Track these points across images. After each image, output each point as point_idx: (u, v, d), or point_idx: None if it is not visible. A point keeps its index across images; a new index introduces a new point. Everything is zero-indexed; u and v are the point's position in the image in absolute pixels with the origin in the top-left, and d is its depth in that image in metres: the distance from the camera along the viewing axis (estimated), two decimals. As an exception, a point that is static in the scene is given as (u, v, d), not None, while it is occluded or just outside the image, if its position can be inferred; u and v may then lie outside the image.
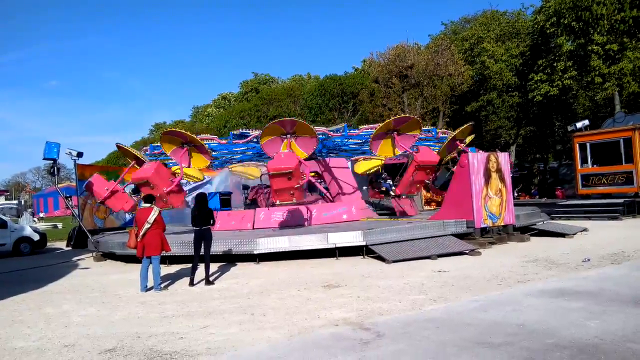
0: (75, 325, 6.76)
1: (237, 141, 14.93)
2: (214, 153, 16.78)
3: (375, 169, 17.82)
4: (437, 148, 17.26)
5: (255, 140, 14.48)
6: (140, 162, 14.23)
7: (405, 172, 14.27)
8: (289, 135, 13.00)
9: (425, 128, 16.99)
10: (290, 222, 14.72)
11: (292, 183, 11.81)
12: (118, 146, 15.24)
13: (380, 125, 13.70)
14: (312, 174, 18.18)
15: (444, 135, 16.94)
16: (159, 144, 14.72)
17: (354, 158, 18.46)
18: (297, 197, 12.35)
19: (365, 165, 17.86)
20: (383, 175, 17.70)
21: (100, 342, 5.85)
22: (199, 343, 5.58)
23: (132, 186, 14.89)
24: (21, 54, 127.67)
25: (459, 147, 14.70)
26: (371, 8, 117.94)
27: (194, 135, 13.47)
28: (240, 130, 15.26)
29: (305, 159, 17.60)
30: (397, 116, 15.31)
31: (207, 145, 13.79)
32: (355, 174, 17.78)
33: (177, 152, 13.43)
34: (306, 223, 14.72)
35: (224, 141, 15.20)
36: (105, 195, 13.89)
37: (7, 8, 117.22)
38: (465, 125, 14.70)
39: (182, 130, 13.85)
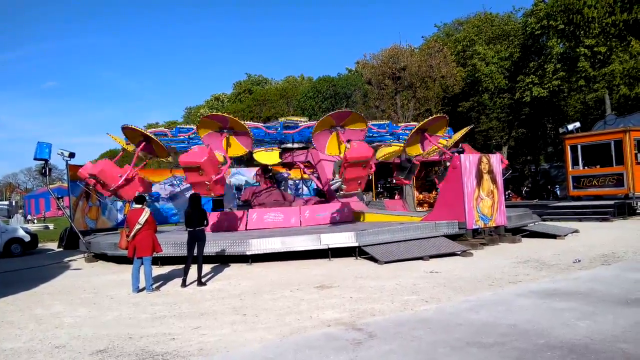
0: (66, 326, 6.72)
1: (182, 135, 15.71)
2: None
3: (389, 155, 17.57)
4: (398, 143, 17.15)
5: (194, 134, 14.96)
6: (148, 144, 13.99)
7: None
8: (225, 131, 13.26)
9: (380, 123, 16.65)
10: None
11: (204, 177, 11.86)
12: (125, 127, 14.15)
13: (319, 122, 13.28)
14: (306, 164, 18.31)
15: (404, 131, 16.41)
16: (186, 127, 15.97)
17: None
18: (215, 190, 12.33)
19: (384, 151, 17.74)
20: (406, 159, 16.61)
21: (91, 343, 5.82)
22: (191, 344, 5.57)
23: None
24: (17, 54, 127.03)
25: (438, 145, 14.36)
26: (364, 10, 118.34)
27: (236, 119, 13.27)
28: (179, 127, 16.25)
29: (299, 149, 17.64)
30: (334, 111, 14.14)
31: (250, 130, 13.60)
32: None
33: (214, 137, 13.33)
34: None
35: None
36: (120, 182, 13.35)
37: (3, 8, 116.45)
38: (434, 117, 13.98)
39: (225, 115, 13.69)
